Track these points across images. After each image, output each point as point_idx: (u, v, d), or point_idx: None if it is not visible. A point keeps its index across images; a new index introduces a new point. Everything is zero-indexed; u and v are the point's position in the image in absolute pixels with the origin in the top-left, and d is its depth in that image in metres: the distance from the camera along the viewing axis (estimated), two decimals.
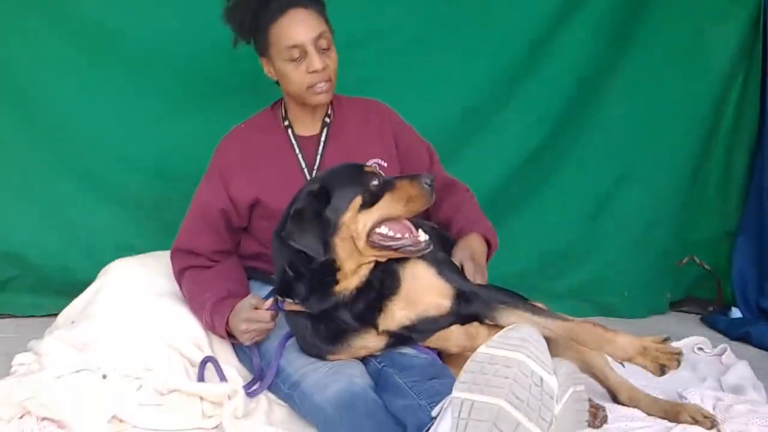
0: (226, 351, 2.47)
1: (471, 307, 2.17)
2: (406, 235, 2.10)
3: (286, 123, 2.59)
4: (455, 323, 2.20)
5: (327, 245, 2.06)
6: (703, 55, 3.80)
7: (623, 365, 2.10)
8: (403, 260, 2.17)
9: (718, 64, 3.81)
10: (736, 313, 3.72)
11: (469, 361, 1.75)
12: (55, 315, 2.83)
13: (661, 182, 3.83)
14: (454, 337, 2.20)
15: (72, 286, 3.02)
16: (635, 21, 3.72)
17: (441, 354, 2.28)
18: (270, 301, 2.23)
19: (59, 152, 3.33)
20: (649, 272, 3.84)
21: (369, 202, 2.09)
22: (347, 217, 2.07)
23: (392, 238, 2.09)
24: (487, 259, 2.50)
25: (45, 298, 3.28)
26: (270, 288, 2.31)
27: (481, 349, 1.75)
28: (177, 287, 2.61)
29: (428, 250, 2.12)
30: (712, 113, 3.85)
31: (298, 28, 2.41)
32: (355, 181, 2.12)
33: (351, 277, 2.11)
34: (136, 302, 2.54)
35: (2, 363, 2.56)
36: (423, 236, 2.12)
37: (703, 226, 3.96)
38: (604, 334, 2.04)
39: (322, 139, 2.58)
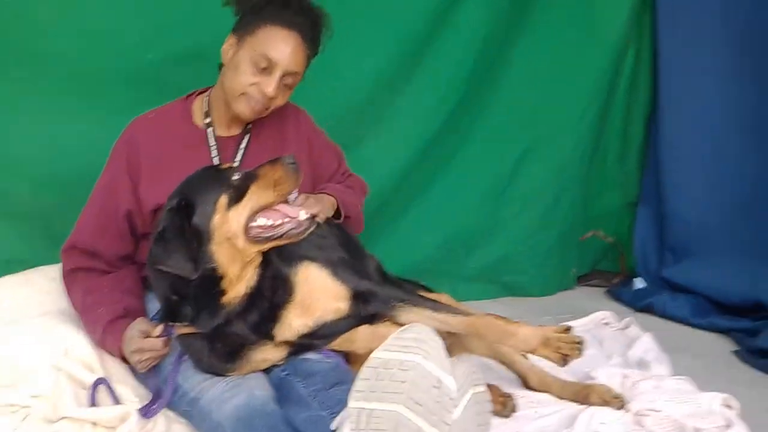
0: (121, 370, 2.33)
1: (369, 307, 2.12)
2: (286, 220, 2.03)
3: (208, 120, 2.45)
4: (356, 325, 2.14)
5: (201, 259, 1.96)
6: (597, 28, 3.84)
7: (526, 357, 2.09)
8: (295, 265, 2.11)
9: (610, 36, 3.86)
10: (639, 283, 3.80)
11: (364, 366, 1.71)
12: None
13: (562, 158, 3.87)
14: (360, 337, 2.15)
15: None
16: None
17: (348, 356, 2.22)
18: (160, 327, 2.11)
19: None
20: (554, 249, 3.88)
21: (235, 198, 2.00)
22: (217, 219, 1.98)
23: (272, 227, 2.02)
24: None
25: None
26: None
27: (375, 353, 1.70)
28: (64, 303, 2.47)
29: (313, 228, 2.05)
30: (607, 86, 3.90)
31: (284, 50, 2.31)
32: (215, 181, 2.03)
33: (237, 284, 2.02)
34: (22, 323, 2.41)
35: None
36: (303, 215, 2.04)
37: (605, 199, 4.04)
38: (505, 327, 2.02)
39: (244, 140, 2.46)
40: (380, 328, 2.12)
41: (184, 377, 2.15)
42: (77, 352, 2.31)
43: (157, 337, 2.12)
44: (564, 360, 1.97)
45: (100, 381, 2.22)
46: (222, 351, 2.07)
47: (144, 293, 2.47)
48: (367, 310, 2.12)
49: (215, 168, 2.12)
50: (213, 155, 2.43)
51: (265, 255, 2.07)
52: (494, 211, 3.82)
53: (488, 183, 3.82)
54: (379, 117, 3.61)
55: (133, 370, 2.36)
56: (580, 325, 3.10)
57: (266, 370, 2.15)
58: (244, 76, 2.32)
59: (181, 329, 2.08)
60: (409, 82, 3.62)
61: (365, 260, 2.41)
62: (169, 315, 2.07)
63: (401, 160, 3.66)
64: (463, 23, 3.62)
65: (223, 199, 1.98)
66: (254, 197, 2.01)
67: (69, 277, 2.45)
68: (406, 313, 2.08)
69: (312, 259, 2.15)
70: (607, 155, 4.00)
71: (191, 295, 2.00)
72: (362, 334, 2.14)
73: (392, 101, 3.61)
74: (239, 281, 2.02)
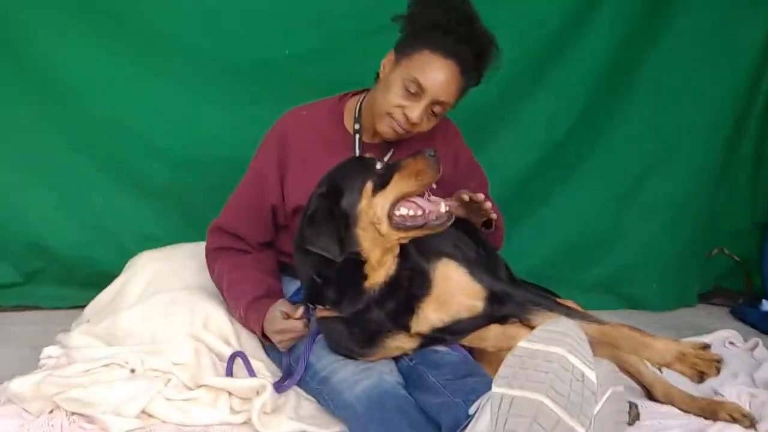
0: (254, 345, 2.45)
1: (504, 308, 2.13)
2: (428, 211, 2.04)
3: (357, 126, 2.48)
4: (488, 324, 2.16)
5: (346, 241, 2.01)
6: (734, 44, 3.72)
7: (660, 370, 2.05)
8: (434, 260, 2.14)
9: (746, 54, 3.73)
10: (766, 305, 3.66)
11: (509, 355, 1.71)
12: (82, 307, 2.82)
13: (690, 172, 3.76)
14: (492, 336, 2.16)
15: (97, 277, 3.03)
16: (664, 8, 3.63)
17: (473, 352, 2.25)
18: (301, 309, 2.19)
19: (84, 142, 3.30)
20: (678, 264, 3.78)
21: (380, 185, 2.03)
22: (363, 204, 2.01)
23: (414, 217, 2.04)
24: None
25: (71, 290, 3.28)
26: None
27: (521, 343, 1.70)
28: (203, 279, 2.58)
29: (452, 221, 2.06)
30: (743, 103, 3.78)
31: (439, 79, 2.27)
32: (361, 169, 2.07)
33: (379, 269, 2.06)
34: (163, 296, 2.53)
35: (30, 356, 2.55)
36: (443, 207, 2.05)
37: (733, 217, 3.90)
38: (641, 339, 1.97)
39: (391, 149, 2.48)
40: (511, 328, 2.14)
41: (316, 357, 2.22)
42: (216, 326, 2.42)
43: (298, 319, 2.19)
44: (700, 377, 1.91)
45: (237, 354, 2.33)
46: (359, 336, 2.12)
47: (280, 276, 2.55)
48: (501, 311, 2.13)
49: (361, 158, 2.18)
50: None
51: (404, 247, 2.11)
52: (617, 220, 3.76)
53: (612, 191, 3.75)
54: (506, 119, 3.62)
55: (266, 348, 2.46)
56: None
57: (395, 359, 2.19)
58: (393, 96, 2.31)
59: (322, 312, 2.14)
60: (539, 86, 3.62)
61: (498, 262, 2.43)
62: (312, 297, 2.13)
63: (525, 163, 3.66)
64: (595, 30, 3.59)
65: (369, 186, 2.03)
66: (398, 185, 2.04)
67: (213, 254, 2.54)
68: (542, 318, 2.08)
69: (450, 256, 2.18)
70: (738, 173, 3.87)
71: (335, 278, 2.06)
72: (493, 332, 2.16)
73: (520, 104, 3.62)
74: (381, 267, 2.06)
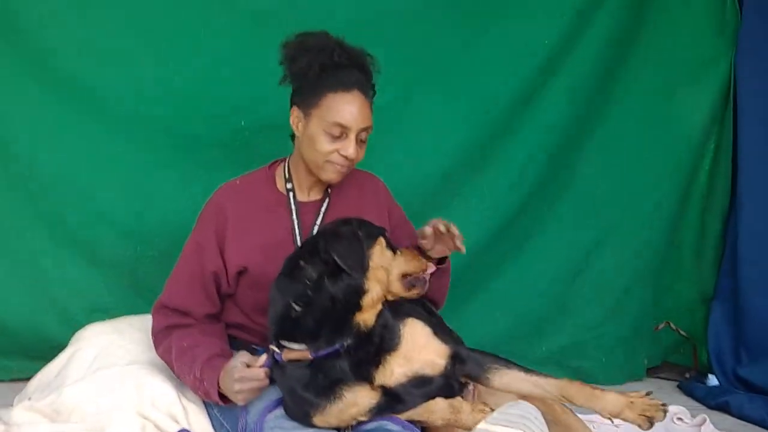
0: (204, 424, 2.40)
1: (465, 368, 2.19)
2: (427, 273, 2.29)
3: (289, 186, 2.54)
4: (445, 386, 2.20)
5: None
6: (676, 121, 3.87)
7: (612, 421, 2.13)
8: (402, 318, 2.21)
9: (690, 130, 3.88)
10: (713, 380, 3.71)
11: None
12: (24, 379, 2.76)
13: (637, 247, 3.85)
14: (438, 408, 2.18)
15: (43, 348, 2.95)
16: (610, 86, 3.77)
17: (425, 430, 2.26)
18: (263, 357, 2.18)
19: (33, 206, 3.22)
20: (624, 338, 3.83)
21: (391, 248, 2.24)
22: (376, 249, 2.18)
23: (418, 278, 2.27)
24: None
25: (14, 361, 3.18)
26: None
27: (481, 425, 1.74)
28: (151, 354, 2.53)
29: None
30: (686, 178, 3.90)
31: (354, 112, 2.36)
32: (373, 227, 2.27)
33: (370, 310, 2.14)
34: (110, 371, 2.48)
35: None
36: (430, 270, 2.30)
37: (679, 292, 3.98)
38: (593, 391, 2.11)
39: (324, 205, 2.53)
40: (454, 402, 2.18)
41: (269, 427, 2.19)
42: (164, 403, 2.38)
43: (260, 367, 2.18)
44: (649, 422, 2.04)
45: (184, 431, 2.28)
46: (321, 383, 2.11)
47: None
48: (462, 370, 2.20)
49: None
50: (294, 219, 2.50)
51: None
52: (565, 296, 3.81)
53: (560, 268, 3.81)
54: (454, 193, 3.66)
55: (214, 424, 2.41)
56: None
57: None
58: (323, 146, 2.38)
59: (290, 353, 2.12)
60: (487, 162, 3.68)
61: (451, 332, 2.45)
62: (283, 330, 2.14)
63: (475, 239, 3.64)
64: (542, 110, 3.69)
65: (382, 239, 2.23)
66: (404, 260, 2.27)
67: (161, 335, 2.48)
68: (500, 376, 2.17)
69: (417, 317, 2.26)
70: (682, 247, 3.96)
71: (319, 307, 2.09)
72: (440, 405, 2.18)
73: (469, 179, 3.68)
74: (373, 308, 2.14)
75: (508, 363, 2.20)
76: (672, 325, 3.94)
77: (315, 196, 2.55)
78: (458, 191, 3.67)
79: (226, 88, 3.29)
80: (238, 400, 2.23)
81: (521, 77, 3.66)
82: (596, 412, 2.12)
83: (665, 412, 2.06)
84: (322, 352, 2.10)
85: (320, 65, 2.37)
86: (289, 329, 2.12)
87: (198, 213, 2.58)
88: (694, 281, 3.98)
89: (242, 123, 3.33)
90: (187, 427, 2.34)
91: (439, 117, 3.62)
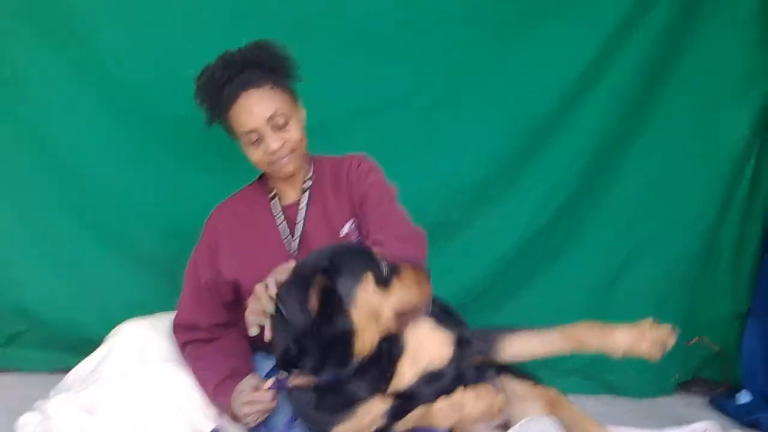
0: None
1: (473, 348, 2.21)
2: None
3: (273, 193, 2.59)
4: (457, 378, 2.18)
5: (336, 320, 2.04)
6: (717, 135, 3.80)
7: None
8: None
9: (731, 144, 3.81)
10: (743, 396, 3.66)
11: None
12: (63, 371, 2.81)
13: (672, 259, 3.81)
14: (438, 409, 2.11)
15: (81, 342, 3.03)
16: (653, 96, 3.73)
17: None
18: (270, 380, 2.21)
19: (74, 206, 3.34)
20: None
21: (382, 282, 2.08)
22: (362, 289, 2.04)
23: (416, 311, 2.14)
24: None
25: (53, 353, 3.28)
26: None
27: None
28: None
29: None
30: (725, 194, 3.84)
31: (250, 113, 2.40)
32: (363, 258, 2.12)
33: (367, 344, 2.10)
34: (146, 367, 2.53)
35: (6, 421, 2.54)
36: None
37: (714, 306, 3.92)
38: (602, 329, 2.21)
39: (303, 205, 2.56)
40: (454, 397, 2.10)
41: None
42: (196, 399, 2.42)
43: (268, 389, 2.21)
44: (662, 349, 2.11)
45: (217, 429, 2.31)
46: (331, 402, 2.12)
47: (251, 354, 2.57)
48: (471, 350, 2.21)
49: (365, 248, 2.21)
50: (279, 222, 2.56)
51: None
52: (598, 306, 3.76)
53: (593, 280, 3.78)
54: (490, 201, 3.66)
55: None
56: None
57: None
58: (255, 155, 2.46)
59: (296, 380, 2.14)
60: (526, 170, 3.68)
61: (451, 314, 2.47)
62: (285, 363, 2.13)
63: (510, 246, 3.69)
64: (583, 117, 3.67)
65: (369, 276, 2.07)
66: (400, 291, 2.11)
67: (182, 352, 2.59)
68: (509, 344, 2.21)
69: None
70: (719, 261, 3.91)
71: (321, 347, 2.06)
72: (439, 406, 2.12)
73: (506, 187, 3.67)
74: (369, 342, 2.09)
75: (512, 328, 2.23)
76: (705, 340, 3.90)
77: (294, 197, 2.59)
78: (494, 199, 3.66)
79: None
80: (247, 423, 2.29)
81: (563, 84, 3.64)
82: (611, 354, 2.12)
83: (676, 334, 2.04)
84: (332, 376, 2.10)
85: (211, 96, 2.44)
86: (292, 364, 2.12)
87: None
88: (730, 296, 3.92)
89: None
90: (220, 425, 2.37)
91: (474, 126, 3.62)
